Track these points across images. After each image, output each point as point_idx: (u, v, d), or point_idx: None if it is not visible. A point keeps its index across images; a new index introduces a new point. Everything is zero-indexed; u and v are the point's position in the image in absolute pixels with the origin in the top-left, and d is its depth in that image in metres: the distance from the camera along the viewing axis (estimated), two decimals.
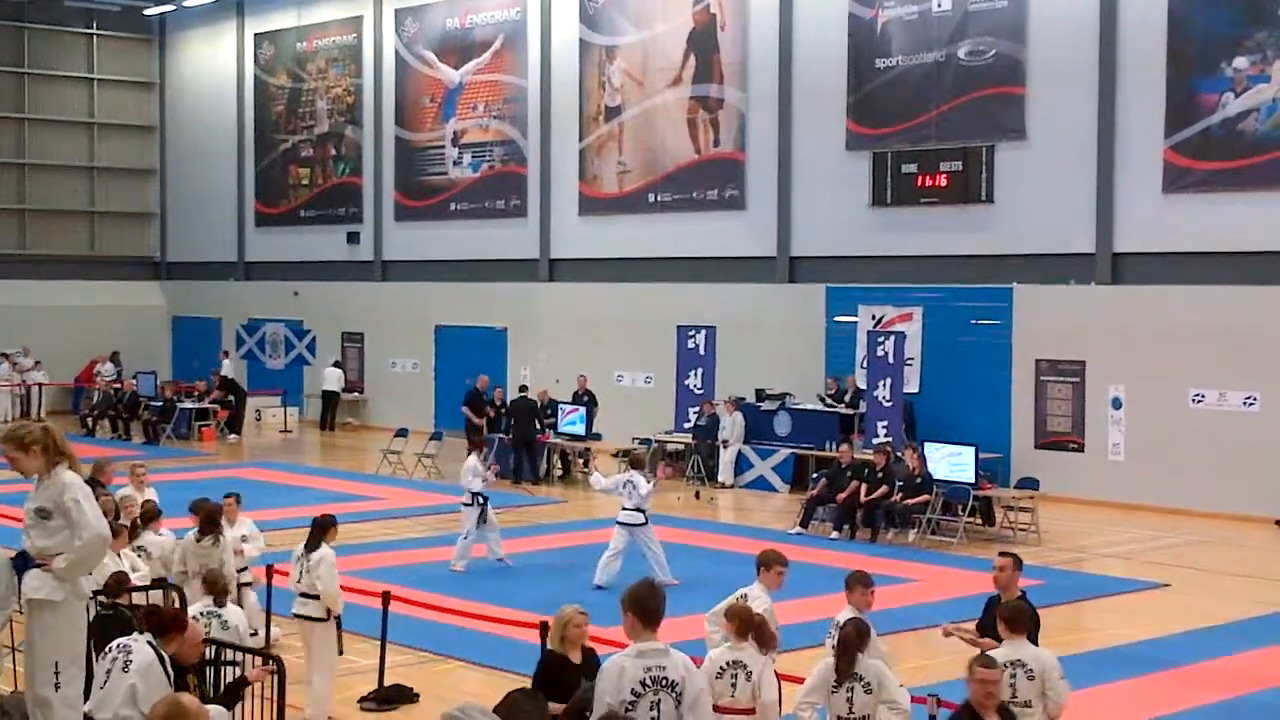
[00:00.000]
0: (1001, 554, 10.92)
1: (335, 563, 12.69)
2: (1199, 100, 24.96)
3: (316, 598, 12.55)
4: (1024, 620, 9.76)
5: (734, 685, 9.22)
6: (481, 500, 19.26)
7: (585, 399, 29.71)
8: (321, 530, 12.76)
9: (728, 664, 9.32)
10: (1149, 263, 25.72)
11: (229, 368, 38.73)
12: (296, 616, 12.74)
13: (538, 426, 28.73)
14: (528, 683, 11.94)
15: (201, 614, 11.04)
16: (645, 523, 18.35)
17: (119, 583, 11.32)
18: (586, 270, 34.00)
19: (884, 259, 28.78)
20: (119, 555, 12.91)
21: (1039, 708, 9.46)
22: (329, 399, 37.82)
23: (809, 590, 14.77)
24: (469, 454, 20.36)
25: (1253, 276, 24.38)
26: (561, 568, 19.58)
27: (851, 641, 9.23)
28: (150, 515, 14.42)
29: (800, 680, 9.74)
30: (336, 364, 38.35)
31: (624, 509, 18.38)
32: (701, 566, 19.04)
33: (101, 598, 10.89)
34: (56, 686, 8.72)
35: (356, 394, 39.05)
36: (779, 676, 9.72)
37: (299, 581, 12.62)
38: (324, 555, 12.61)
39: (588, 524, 23.20)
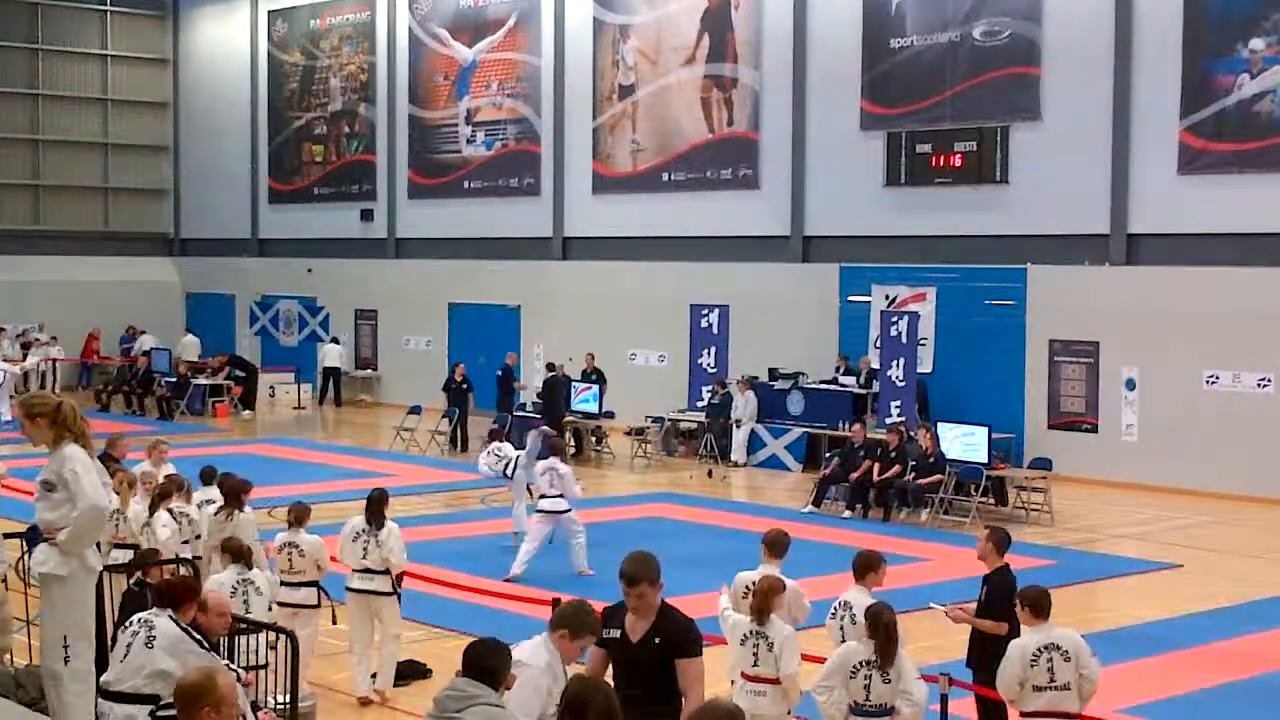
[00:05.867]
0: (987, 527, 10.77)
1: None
2: (1214, 81, 24.85)
3: (384, 572, 12.57)
4: (1048, 604, 9.61)
5: (755, 654, 9.43)
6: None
7: (594, 377, 29.72)
8: (380, 505, 12.82)
9: (750, 633, 9.48)
10: (1163, 244, 25.64)
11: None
12: (359, 593, 12.62)
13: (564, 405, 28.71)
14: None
15: (237, 583, 11.03)
16: (568, 510, 17.62)
17: (146, 558, 11.30)
18: (600, 249, 33.94)
19: (898, 239, 28.72)
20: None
21: (1075, 690, 9.37)
22: (330, 375, 37.91)
23: (821, 569, 14.76)
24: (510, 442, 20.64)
25: (1268, 258, 24.29)
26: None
27: (895, 629, 9.01)
28: (165, 492, 14.36)
29: (815, 659, 9.74)
30: (335, 340, 38.46)
31: (546, 497, 17.56)
32: (713, 545, 19.08)
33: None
34: (66, 660, 8.77)
35: (370, 371, 39.12)
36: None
37: (364, 558, 12.58)
38: (392, 529, 12.71)
39: (599, 501, 23.21)
